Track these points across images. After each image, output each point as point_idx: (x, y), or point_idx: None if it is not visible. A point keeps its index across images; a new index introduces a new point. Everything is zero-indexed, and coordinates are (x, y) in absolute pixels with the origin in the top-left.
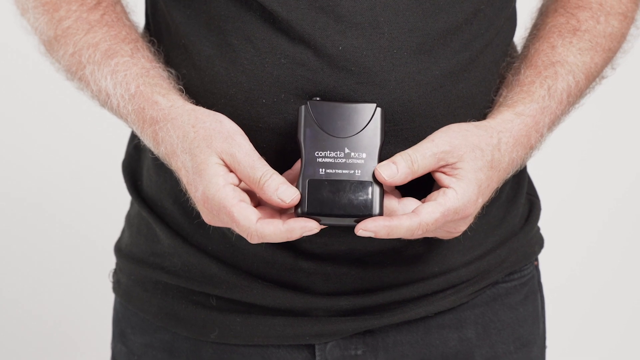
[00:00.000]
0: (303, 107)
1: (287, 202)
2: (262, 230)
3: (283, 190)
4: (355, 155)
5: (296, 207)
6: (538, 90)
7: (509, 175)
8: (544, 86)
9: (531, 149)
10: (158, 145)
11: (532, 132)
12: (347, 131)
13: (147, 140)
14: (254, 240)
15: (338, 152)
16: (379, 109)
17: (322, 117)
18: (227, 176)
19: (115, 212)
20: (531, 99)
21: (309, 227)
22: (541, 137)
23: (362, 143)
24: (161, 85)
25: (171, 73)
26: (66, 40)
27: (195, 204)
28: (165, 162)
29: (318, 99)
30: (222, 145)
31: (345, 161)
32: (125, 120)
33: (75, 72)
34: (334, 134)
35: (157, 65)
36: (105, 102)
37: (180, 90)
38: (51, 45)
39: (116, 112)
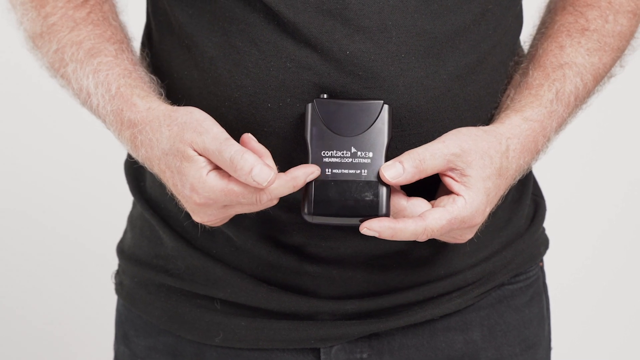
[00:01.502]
0: (310, 105)
1: (264, 184)
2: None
3: (258, 171)
4: (361, 154)
5: (303, 207)
6: (546, 94)
7: (516, 181)
8: (552, 90)
9: (537, 153)
10: (137, 148)
11: (539, 137)
12: (354, 130)
13: (125, 143)
14: (263, 199)
15: (344, 152)
16: (386, 106)
17: (329, 116)
18: (209, 165)
19: (118, 211)
20: (539, 103)
21: (311, 171)
22: (548, 142)
23: (369, 142)
24: (141, 87)
25: (153, 78)
26: (50, 37)
27: (183, 205)
28: (145, 166)
29: (325, 96)
30: (192, 136)
31: (352, 161)
32: (104, 121)
33: (58, 69)
34: (340, 133)
35: (140, 68)
36: (85, 101)
37: (159, 94)
38: (36, 41)
39: (95, 111)
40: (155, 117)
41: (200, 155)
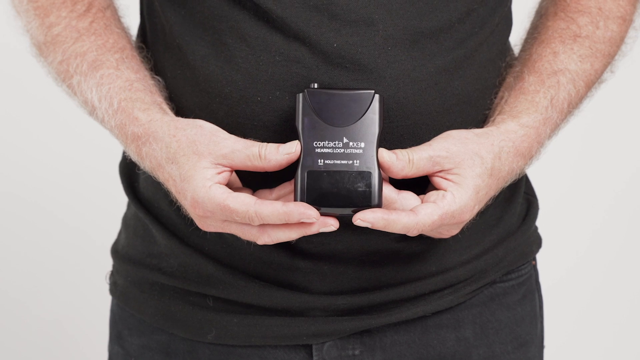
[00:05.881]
0: (300, 95)
1: (293, 151)
2: (260, 210)
3: (283, 148)
4: (353, 144)
5: (295, 198)
6: (542, 101)
7: (507, 184)
8: (547, 96)
9: (531, 158)
10: (143, 160)
11: (534, 143)
12: (346, 120)
13: (132, 156)
14: (255, 222)
15: (336, 142)
16: (377, 96)
17: (320, 106)
18: (215, 177)
19: (113, 213)
20: (535, 109)
21: (307, 214)
22: (541, 147)
23: (361, 132)
24: (142, 100)
25: (159, 81)
26: (55, 47)
27: (188, 212)
28: (152, 176)
29: (316, 85)
30: (209, 147)
31: (344, 151)
32: (111, 133)
33: (64, 80)
34: (332, 123)
35: (143, 75)
36: (91, 113)
37: (165, 99)
38: (41, 49)
39: (101, 123)
40: (159, 127)
41: (215, 165)
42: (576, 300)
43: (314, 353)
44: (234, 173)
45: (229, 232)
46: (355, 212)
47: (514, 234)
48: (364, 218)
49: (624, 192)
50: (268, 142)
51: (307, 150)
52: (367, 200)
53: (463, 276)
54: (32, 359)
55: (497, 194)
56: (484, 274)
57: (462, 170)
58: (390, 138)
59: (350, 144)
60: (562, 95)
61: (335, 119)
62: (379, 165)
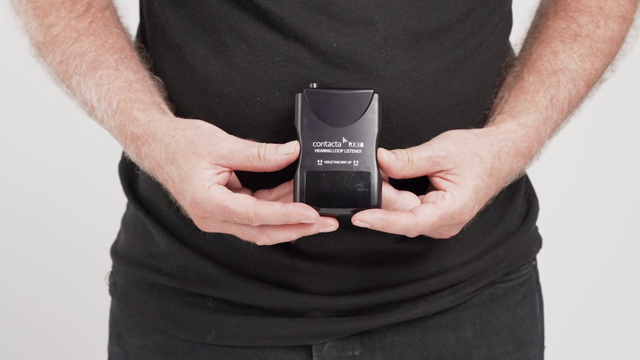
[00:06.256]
0: (299, 95)
1: (292, 151)
2: (260, 211)
3: (282, 148)
4: (353, 145)
5: (294, 198)
6: (542, 101)
7: (507, 184)
8: (547, 96)
9: (531, 158)
10: (142, 160)
11: (534, 143)
12: (345, 120)
13: (131, 157)
14: (254, 222)
15: (336, 142)
16: (376, 95)
17: (319, 106)
18: (214, 178)
19: (112, 214)
20: (535, 109)
21: (307, 214)
22: (541, 147)
23: (360, 132)
24: (141, 100)
25: (158, 81)
26: (54, 47)
27: (187, 213)
28: (152, 176)
29: (315, 85)
30: (208, 148)
31: (343, 151)
32: (110, 134)
33: (63, 80)
34: (331, 123)
35: (142, 76)
36: (91, 113)
37: (164, 99)
38: (40, 50)
39: (101, 124)
40: (158, 128)
41: (214, 165)
42: (576, 301)
43: (314, 354)
44: (233, 173)
45: (228, 232)
46: (354, 212)
47: (514, 234)
48: (363, 218)
49: (624, 192)
50: (267, 143)
51: (306, 151)
52: (366, 201)
53: (463, 277)
54: (32, 359)
55: (497, 194)
56: (484, 275)
57: (461, 170)
58: (390, 138)
59: (350, 144)
60: (563, 94)
61: (334, 118)
62: (379, 165)
